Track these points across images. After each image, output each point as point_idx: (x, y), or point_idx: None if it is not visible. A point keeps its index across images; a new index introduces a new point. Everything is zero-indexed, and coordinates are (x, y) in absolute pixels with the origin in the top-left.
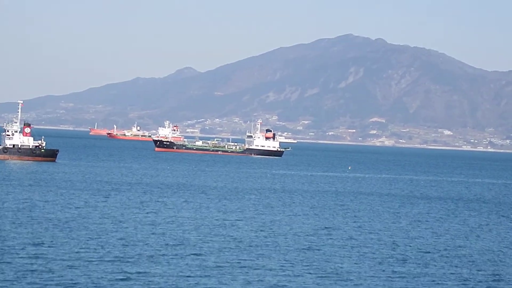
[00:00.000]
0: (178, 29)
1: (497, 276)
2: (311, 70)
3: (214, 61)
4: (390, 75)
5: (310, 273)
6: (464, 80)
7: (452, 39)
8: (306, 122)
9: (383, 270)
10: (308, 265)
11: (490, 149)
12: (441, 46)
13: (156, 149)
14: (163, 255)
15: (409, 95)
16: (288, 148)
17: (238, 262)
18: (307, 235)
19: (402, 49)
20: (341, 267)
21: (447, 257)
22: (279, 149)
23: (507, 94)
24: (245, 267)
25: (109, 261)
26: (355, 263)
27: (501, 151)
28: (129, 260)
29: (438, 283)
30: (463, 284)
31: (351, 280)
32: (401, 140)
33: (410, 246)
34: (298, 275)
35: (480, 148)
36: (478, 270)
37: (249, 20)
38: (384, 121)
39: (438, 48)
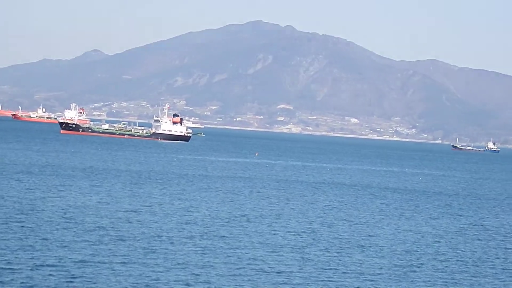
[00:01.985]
0: (85, 10)
1: (412, 266)
2: (220, 56)
3: (122, 44)
4: (299, 63)
5: (224, 262)
6: (372, 69)
7: (360, 28)
8: (214, 107)
9: (301, 259)
10: (222, 253)
11: (396, 138)
12: (349, 35)
13: (62, 131)
14: (74, 241)
15: (317, 82)
16: (201, 133)
17: (148, 250)
18: (221, 222)
19: (311, 36)
20: (257, 255)
21: (362, 245)
22: (186, 134)
23: (414, 84)
24: (155, 253)
25: (22, 247)
26: (270, 251)
27: (407, 140)
28: (39, 247)
29: (360, 272)
30: (380, 273)
31: (269, 269)
32: (308, 128)
33: (327, 234)
34: (211, 264)
35: (386, 137)
36: (398, 259)
37: (158, 4)
38: (291, 108)
39: (347, 37)
